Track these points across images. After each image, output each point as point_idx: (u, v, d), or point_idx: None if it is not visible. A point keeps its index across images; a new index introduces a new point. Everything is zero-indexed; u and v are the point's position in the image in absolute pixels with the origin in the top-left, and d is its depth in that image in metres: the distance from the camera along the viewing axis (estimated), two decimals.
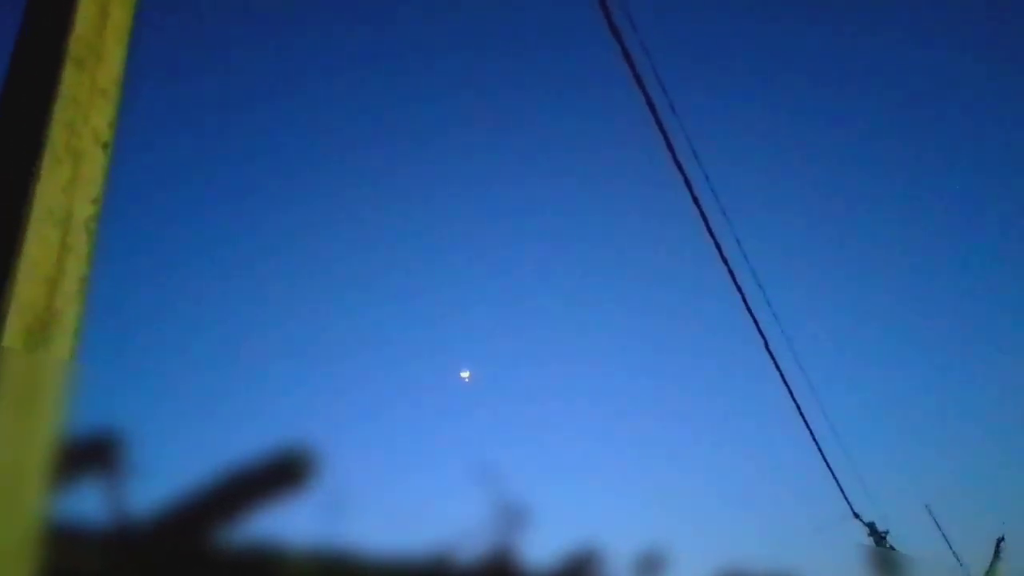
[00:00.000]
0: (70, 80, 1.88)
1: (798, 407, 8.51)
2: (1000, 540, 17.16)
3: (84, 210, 1.85)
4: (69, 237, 1.81)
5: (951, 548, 15.74)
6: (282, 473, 2.50)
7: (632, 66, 5.46)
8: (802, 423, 8.73)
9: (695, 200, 6.22)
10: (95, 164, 1.89)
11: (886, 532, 14.32)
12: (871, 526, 14.08)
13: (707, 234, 6.36)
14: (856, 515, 13.37)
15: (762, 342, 7.46)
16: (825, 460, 9.75)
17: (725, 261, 6.59)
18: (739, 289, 6.84)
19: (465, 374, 14.71)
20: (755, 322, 7.19)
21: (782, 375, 7.96)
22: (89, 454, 1.94)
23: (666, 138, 5.85)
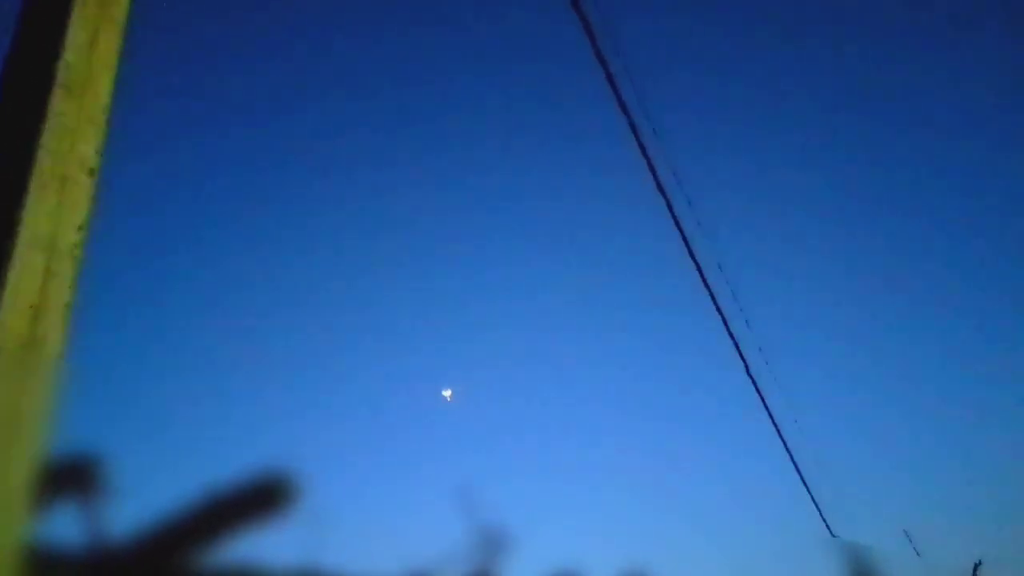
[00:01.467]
0: (58, 107, 1.90)
1: (779, 432, 8.56)
2: (977, 564, 17.24)
3: (69, 237, 1.87)
4: (54, 264, 1.82)
5: (929, 573, 15.80)
6: (264, 496, 2.51)
7: (616, 91, 5.53)
8: (782, 448, 8.77)
9: (676, 223, 6.28)
10: (81, 191, 1.91)
11: None
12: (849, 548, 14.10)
13: (689, 257, 6.42)
14: (835, 537, 13.40)
15: (743, 366, 7.51)
16: (805, 483, 9.79)
17: (707, 284, 6.64)
18: (720, 312, 6.89)
19: (447, 392, 14.69)
20: (736, 347, 7.24)
21: (763, 399, 8.02)
22: (69, 477, 1.94)
23: (648, 161, 5.91)
